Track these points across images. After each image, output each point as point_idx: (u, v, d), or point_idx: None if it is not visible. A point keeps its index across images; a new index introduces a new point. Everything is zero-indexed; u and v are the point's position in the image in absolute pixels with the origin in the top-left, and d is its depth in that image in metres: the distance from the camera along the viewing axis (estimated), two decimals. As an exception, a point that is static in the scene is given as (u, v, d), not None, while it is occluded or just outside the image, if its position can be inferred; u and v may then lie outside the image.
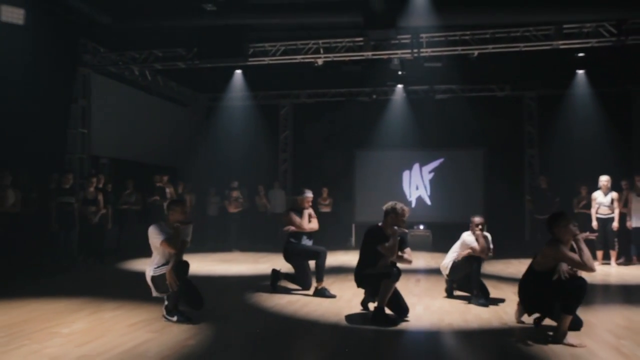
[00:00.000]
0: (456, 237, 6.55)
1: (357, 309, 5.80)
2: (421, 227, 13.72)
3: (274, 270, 7.14)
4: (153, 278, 5.23)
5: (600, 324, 5.19)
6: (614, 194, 9.92)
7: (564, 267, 4.55)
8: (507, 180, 13.82)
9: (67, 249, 9.14)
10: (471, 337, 4.87)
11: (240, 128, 14.78)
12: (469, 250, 6.19)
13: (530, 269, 4.81)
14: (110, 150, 12.12)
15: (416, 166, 14.63)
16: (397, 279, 5.20)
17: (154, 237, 5.23)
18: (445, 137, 14.11)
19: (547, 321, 4.85)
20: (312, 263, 6.89)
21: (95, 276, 8.41)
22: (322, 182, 13.66)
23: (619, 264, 9.85)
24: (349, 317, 5.50)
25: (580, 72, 12.63)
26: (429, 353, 4.54)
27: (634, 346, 4.42)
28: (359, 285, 5.61)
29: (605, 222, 9.86)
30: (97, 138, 11.41)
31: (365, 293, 5.77)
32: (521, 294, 4.92)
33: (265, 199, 13.68)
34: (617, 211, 9.84)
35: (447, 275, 6.45)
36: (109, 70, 11.72)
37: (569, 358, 4.09)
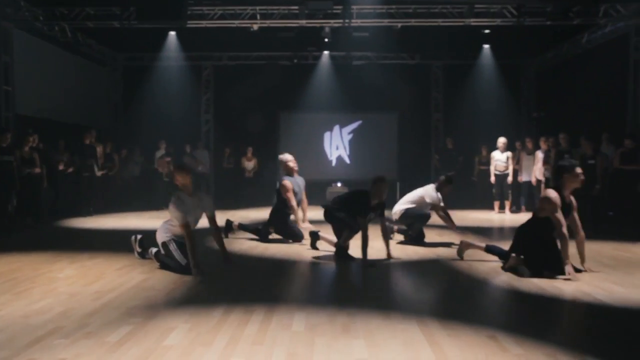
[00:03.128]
0: None
1: (311, 252, 6.68)
2: (339, 184, 14.81)
3: (227, 221, 7.88)
4: (164, 244, 5.57)
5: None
6: (509, 153, 11.62)
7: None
8: (416, 141, 15.33)
9: (7, 209, 9.05)
10: (416, 265, 5.99)
11: (163, 88, 14.82)
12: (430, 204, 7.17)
13: (533, 216, 5.39)
14: (33, 109, 11.77)
15: (336, 128, 15.75)
16: (356, 233, 6.21)
17: (175, 214, 5.45)
18: (362, 101, 15.23)
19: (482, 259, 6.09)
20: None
21: (43, 234, 8.47)
22: (246, 143, 14.27)
23: (512, 212, 11.67)
24: (310, 256, 6.41)
25: (486, 46, 14.21)
26: (386, 277, 5.56)
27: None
28: (326, 218, 6.39)
29: (501, 178, 11.57)
30: (20, 96, 11.08)
31: (311, 238, 6.79)
32: (518, 236, 5.46)
33: (194, 158, 13.97)
34: (511, 168, 11.57)
35: (395, 220, 7.45)
36: (28, 26, 11.27)
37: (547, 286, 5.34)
